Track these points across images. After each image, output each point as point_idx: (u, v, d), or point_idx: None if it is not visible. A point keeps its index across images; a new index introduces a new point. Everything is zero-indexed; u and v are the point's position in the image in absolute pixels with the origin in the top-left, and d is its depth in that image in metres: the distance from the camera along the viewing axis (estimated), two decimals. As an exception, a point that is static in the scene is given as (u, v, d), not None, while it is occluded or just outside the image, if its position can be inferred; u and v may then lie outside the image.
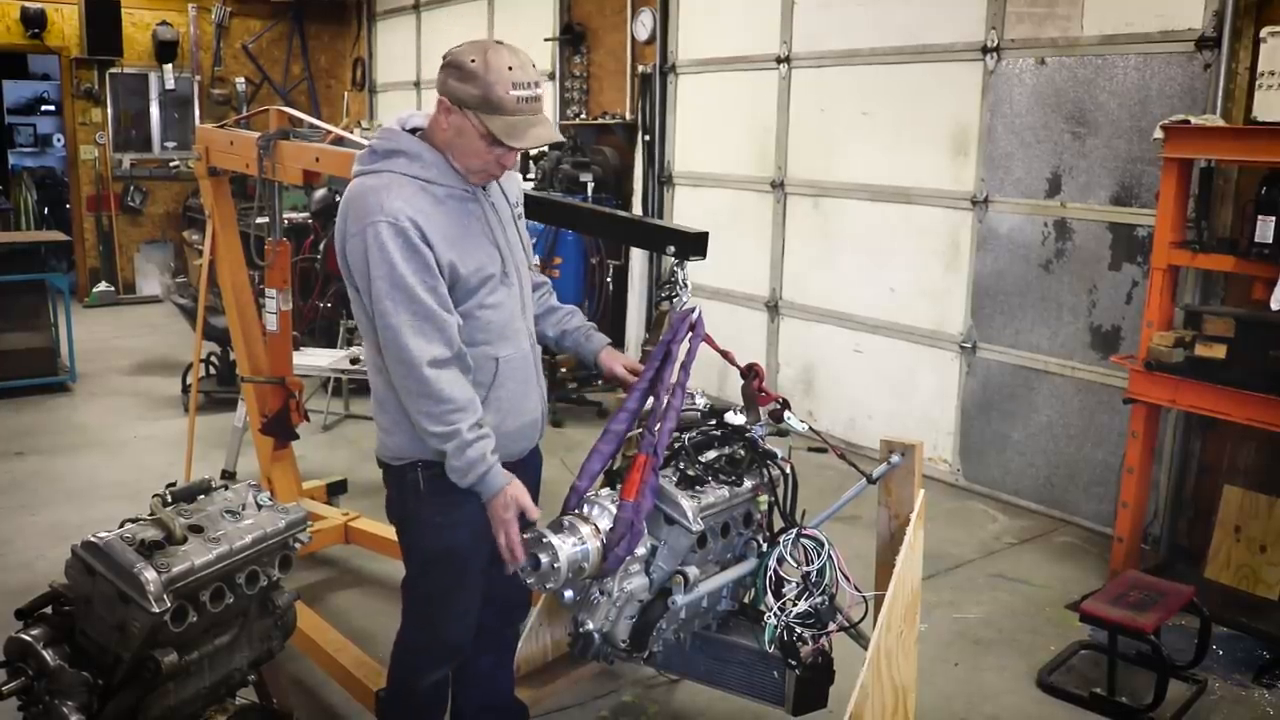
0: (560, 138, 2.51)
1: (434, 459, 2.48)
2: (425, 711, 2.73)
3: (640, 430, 2.56)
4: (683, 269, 2.76)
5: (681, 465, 2.70)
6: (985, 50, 5.35)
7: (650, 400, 2.60)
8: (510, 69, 2.34)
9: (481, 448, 2.37)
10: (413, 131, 2.49)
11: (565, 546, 2.37)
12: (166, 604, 2.23)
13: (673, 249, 2.86)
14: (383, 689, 2.93)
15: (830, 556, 2.71)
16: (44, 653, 2.28)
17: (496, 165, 2.44)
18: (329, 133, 3.84)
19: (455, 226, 2.41)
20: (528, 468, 2.72)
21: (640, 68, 7.57)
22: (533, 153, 7.67)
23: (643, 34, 7.53)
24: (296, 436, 4.47)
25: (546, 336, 2.82)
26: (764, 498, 2.77)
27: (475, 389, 2.44)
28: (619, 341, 7.54)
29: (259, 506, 2.58)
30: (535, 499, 2.78)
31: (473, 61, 2.33)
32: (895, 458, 2.83)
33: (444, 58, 2.41)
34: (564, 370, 7.05)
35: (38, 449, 6.09)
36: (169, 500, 2.49)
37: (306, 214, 8.39)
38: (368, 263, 2.34)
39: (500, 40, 2.46)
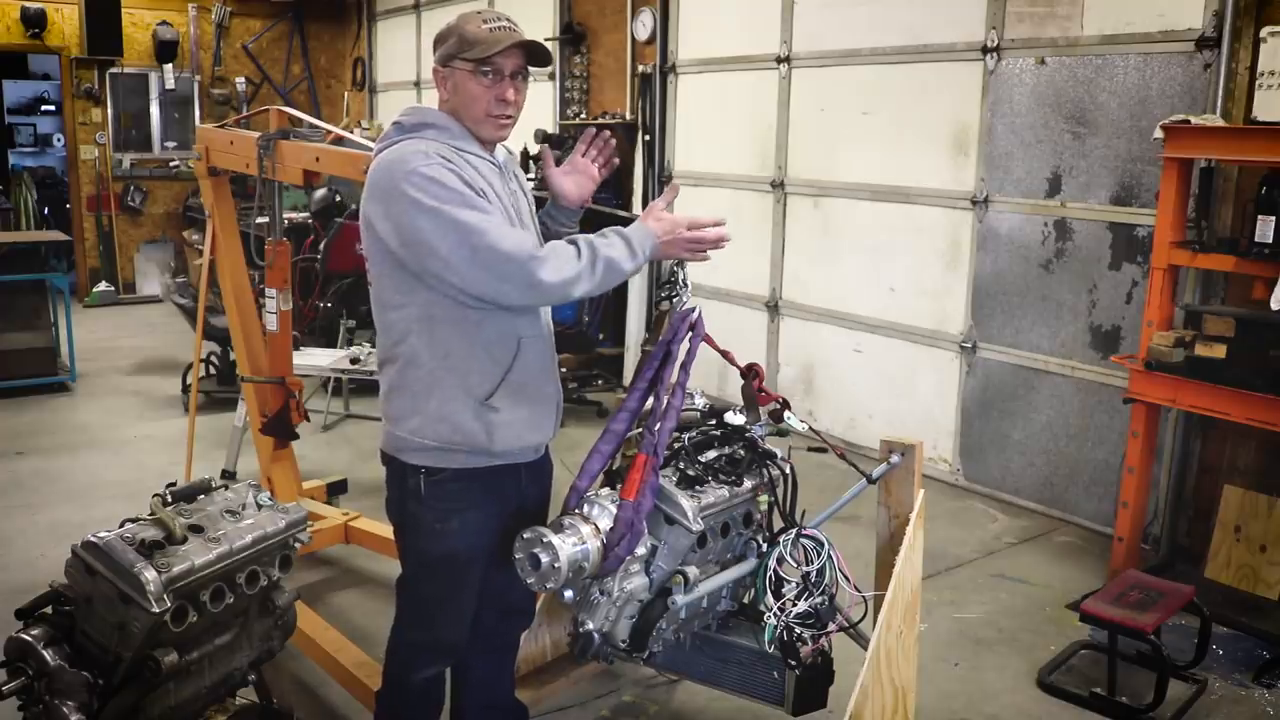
0: (545, 47, 2.49)
1: (438, 464, 2.47)
2: (420, 707, 2.73)
3: (640, 430, 2.56)
4: (683, 269, 2.76)
5: (681, 465, 2.70)
6: (985, 50, 5.35)
7: (650, 400, 2.60)
8: (479, 13, 2.46)
9: (601, 234, 2.38)
10: None
11: (565, 546, 2.36)
12: (166, 604, 2.23)
13: (673, 249, 2.85)
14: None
15: (830, 556, 2.71)
16: (44, 652, 2.28)
17: (497, 104, 2.44)
18: (329, 133, 3.85)
19: (489, 189, 2.42)
20: (541, 474, 2.71)
21: (640, 68, 7.57)
22: (532, 152, 7.66)
23: (643, 34, 7.53)
24: (296, 436, 4.47)
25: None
26: (764, 498, 2.77)
27: (493, 368, 2.44)
28: (619, 341, 7.54)
29: (259, 506, 2.59)
30: (545, 510, 2.77)
31: (447, 25, 2.47)
32: (895, 458, 2.83)
33: None
34: (564, 370, 7.04)
35: (38, 449, 6.09)
36: (169, 500, 2.49)
37: (306, 214, 8.40)
38: (422, 206, 2.28)
39: None
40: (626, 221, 2.52)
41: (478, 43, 2.39)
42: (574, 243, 2.35)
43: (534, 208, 2.67)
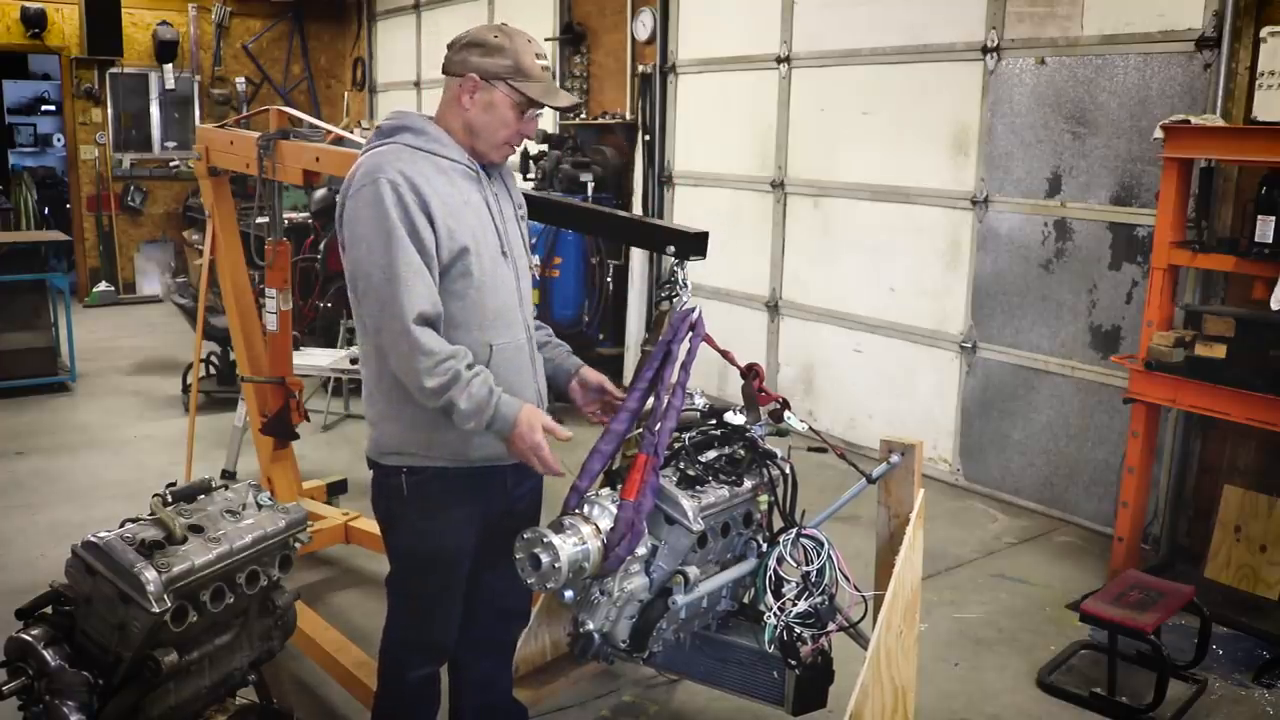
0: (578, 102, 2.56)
1: (419, 464, 2.47)
2: (415, 706, 2.74)
3: (640, 430, 2.56)
4: (683, 269, 2.75)
5: (682, 465, 2.70)
6: (985, 50, 5.35)
7: (650, 400, 2.60)
8: (529, 41, 2.47)
9: (485, 380, 2.35)
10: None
11: (566, 546, 2.36)
12: (167, 604, 2.23)
13: (673, 249, 2.85)
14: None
15: (830, 556, 2.71)
16: (44, 652, 2.28)
17: (518, 136, 2.50)
18: (329, 132, 3.85)
19: (457, 197, 2.43)
20: (530, 474, 2.66)
21: (640, 67, 7.57)
22: (532, 151, 7.67)
23: (643, 34, 7.53)
24: (296, 436, 4.47)
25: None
26: (764, 497, 2.77)
27: None
28: (619, 341, 7.54)
29: (259, 506, 2.59)
30: (538, 512, 2.76)
31: (495, 37, 2.44)
32: (895, 457, 2.83)
33: (456, 42, 2.48)
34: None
35: (38, 449, 6.09)
36: (169, 500, 2.49)
37: (306, 214, 8.39)
38: (363, 220, 2.35)
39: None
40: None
41: (534, 80, 2.42)
42: (470, 367, 2.33)
43: (521, 209, 2.67)
